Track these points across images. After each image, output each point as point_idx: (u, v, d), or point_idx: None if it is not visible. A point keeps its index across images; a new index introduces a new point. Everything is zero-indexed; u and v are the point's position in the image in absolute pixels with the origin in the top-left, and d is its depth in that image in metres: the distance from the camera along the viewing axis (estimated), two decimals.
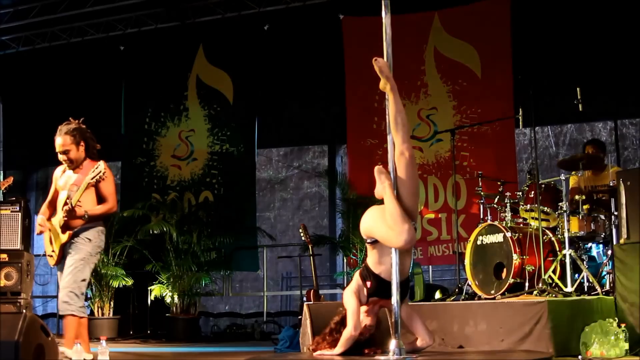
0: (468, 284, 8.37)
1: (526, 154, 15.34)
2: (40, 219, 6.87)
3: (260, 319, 13.08)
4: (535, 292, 7.37)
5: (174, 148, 14.29)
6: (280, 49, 13.75)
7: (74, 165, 6.84)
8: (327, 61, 13.48)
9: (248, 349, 9.41)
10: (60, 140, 6.80)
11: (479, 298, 8.02)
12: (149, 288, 12.37)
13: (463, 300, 8.16)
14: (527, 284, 7.70)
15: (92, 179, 6.62)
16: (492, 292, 7.92)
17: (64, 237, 6.67)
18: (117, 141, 14.78)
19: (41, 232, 6.83)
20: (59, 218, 6.71)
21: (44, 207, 6.99)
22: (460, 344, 6.94)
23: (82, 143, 6.86)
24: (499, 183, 8.77)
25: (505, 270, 7.93)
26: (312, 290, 9.93)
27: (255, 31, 13.75)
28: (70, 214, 6.57)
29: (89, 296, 12.42)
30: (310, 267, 10.39)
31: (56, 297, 14.64)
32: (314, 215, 18.28)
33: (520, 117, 8.50)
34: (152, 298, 12.30)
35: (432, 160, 12.15)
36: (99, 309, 12.13)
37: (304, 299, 9.85)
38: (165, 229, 12.10)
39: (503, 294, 7.75)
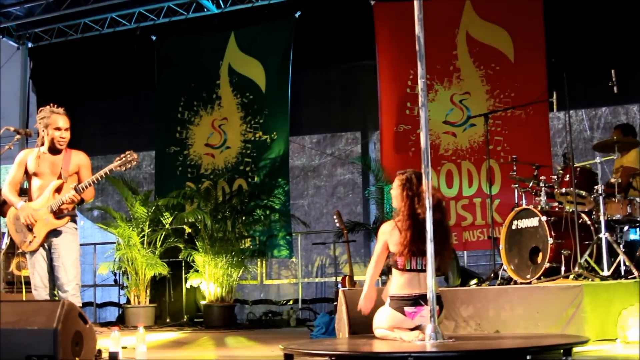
0: (503, 269, 8.34)
1: (560, 138, 15.20)
2: (26, 207, 6.56)
3: (296, 306, 13.12)
4: (571, 276, 7.32)
5: (207, 137, 14.34)
6: (312, 36, 13.72)
7: (64, 147, 6.71)
8: (358, 47, 13.44)
9: (284, 336, 9.43)
10: (66, 122, 6.69)
11: (515, 283, 7.98)
12: (184, 276, 12.42)
13: (499, 285, 8.13)
14: (563, 268, 7.65)
15: (119, 167, 6.63)
16: (528, 276, 7.87)
17: (60, 222, 6.56)
18: (150, 131, 14.87)
19: (31, 224, 6.54)
20: (47, 203, 6.55)
21: (15, 192, 6.69)
22: (497, 329, 6.93)
23: None
24: (533, 167, 8.71)
25: (540, 254, 7.88)
26: (347, 277, 9.94)
27: (286, 18, 13.75)
28: (79, 202, 6.61)
29: (125, 285, 12.54)
30: (346, 253, 10.42)
31: (92, 286, 14.94)
32: (348, 202, 18.27)
33: (553, 101, 8.43)
34: (188, 286, 12.36)
35: (466, 145, 12.08)
36: (135, 298, 12.21)
37: (339, 285, 9.87)
38: (199, 217, 12.14)
39: (539, 278, 7.70)
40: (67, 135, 6.67)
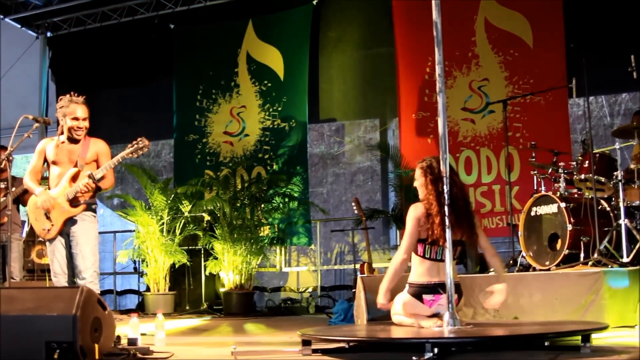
0: (522, 256, 8.32)
1: (580, 125, 15.10)
2: (45, 194, 6.64)
3: (315, 293, 13.14)
4: (590, 263, 7.30)
5: (225, 124, 14.36)
6: (329, 23, 13.70)
7: (82, 136, 6.73)
8: (376, 34, 13.41)
9: (302, 323, 9.45)
10: (84, 108, 6.70)
11: (534, 270, 7.96)
12: (203, 264, 12.46)
13: (517, 272, 8.11)
14: (582, 255, 7.62)
15: (131, 154, 6.65)
16: (547, 263, 7.86)
17: (76, 210, 6.60)
18: (169, 119, 14.90)
19: (48, 207, 6.62)
20: (64, 191, 6.61)
21: (35, 180, 6.80)
22: (515, 316, 6.92)
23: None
24: (552, 153, 8.67)
25: (559, 241, 7.87)
26: (365, 264, 9.95)
27: (304, 5, 13.73)
28: (97, 190, 6.63)
29: (144, 272, 12.60)
30: (364, 240, 10.42)
31: (112, 273, 15.02)
32: (367, 190, 18.23)
33: (573, 87, 8.37)
34: (207, 273, 12.40)
35: (485, 132, 12.02)
36: (155, 285, 12.27)
37: (358, 272, 9.87)
38: (218, 205, 12.18)
39: (558, 265, 7.69)
40: (84, 124, 6.69)
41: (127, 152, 6.64)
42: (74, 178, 6.62)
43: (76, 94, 6.77)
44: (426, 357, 4.41)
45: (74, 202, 6.59)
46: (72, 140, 6.71)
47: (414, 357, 4.20)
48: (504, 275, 5.98)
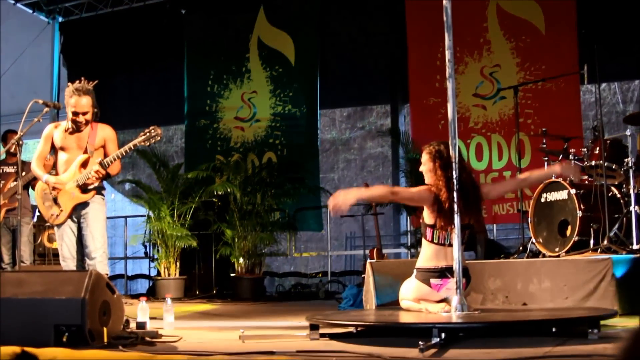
0: (532, 242, 8.30)
1: (593, 112, 15.07)
2: (55, 179, 6.70)
3: (325, 279, 13.16)
4: (600, 250, 7.28)
5: (236, 110, 14.37)
6: (340, 8, 13.68)
7: (84, 127, 6.74)
8: (388, 19, 13.38)
9: (312, 308, 9.47)
10: (85, 101, 6.66)
11: (543, 256, 7.95)
12: (214, 248, 12.49)
13: (527, 258, 8.09)
14: (591, 242, 7.60)
15: (143, 142, 6.64)
16: (557, 249, 7.84)
17: (86, 196, 6.62)
18: (181, 104, 14.92)
19: (56, 193, 6.66)
20: (74, 177, 6.62)
21: (41, 166, 6.84)
22: (524, 302, 6.91)
23: (95, 106, 6.77)
24: (563, 140, 8.64)
25: (569, 227, 7.83)
26: (375, 249, 9.96)
27: None
28: (106, 177, 6.65)
29: (155, 257, 12.63)
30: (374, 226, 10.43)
31: (123, 258, 15.09)
32: (379, 176, 18.24)
33: (584, 73, 8.32)
34: (217, 258, 12.43)
35: (496, 119, 11.99)
36: (165, 270, 12.30)
37: (367, 257, 9.88)
38: (229, 190, 12.20)
39: (567, 251, 7.66)
40: (83, 118, 6.68)
41: (139, 140, 6.64)
42: (84, 164, 6.64)
43: (87, 80, 6.77)
44: (433, 342, 4.41)
45: (84, 188, 6.61)
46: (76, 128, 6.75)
47: (420, 342, 4.19)
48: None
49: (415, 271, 5.90)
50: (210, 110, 14.55)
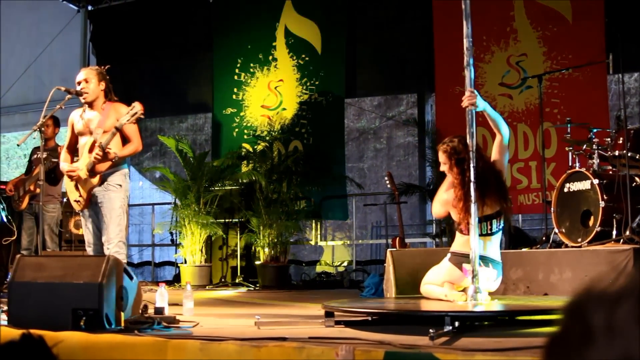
0: (555, 232, 8.26)
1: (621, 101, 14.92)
2: (68, 166, 6.79)
3: (350, 267, 13.18)
4: (622, 240, 7.23)
5: (263, 98, 14.39)
6: None
7: (90, 98, 6.72)
8: (414, 9, 13.33)
9: (335, 296, 9.48)
10: (83, 74, 6.74)
11: (566, 246, 7.91)
12: (239, 236, 12.55)
13: (549, 248, 8.06)
14: (614, 232, 7.55)
15: (128, 120, 6.50)
16: (579, 240, 7.79)
17: (94, 181, 6.60)
18: (208, 93, 14.99)
19: (73, 179, 6.71)
20: (85, 162, 6.62)
21: (65, 154, 6.93)
22: (545, 292, 6.90)
23: (103, 82, 6.76)
24: (587, 130, 8.58)
25: (592, 217, 7.78)
26: (397, 238, 9.96)
27: None
28: (105, 157, 6.51)
29: (181, 244, 12.71)
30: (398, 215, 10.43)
31: (150, 245, 15.20)
32: (407, 165, 18.18)
33: (610, 62, 8.26)
34: (242, 246, 12.49)
35: (522, 108, 11.92)
36: (191, 257, 12.38)
37: (390, 246, 9.90)
38: (254, 178, 12.26)
39: (590, 242, 7.62)
40: (85, 87, 6.72)
41: (125, 119, 6.52)
42: (91, 148, 6.63)
43: (114, 68, 6.84)
44: (445, 330, 4.42)
45: (91, 172, 6.63)
46: (91, 107, 6.77)
47: (431, 331, 4.21)
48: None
49: (449, 254, 5.95)
50: (237, 99, 14.59)
